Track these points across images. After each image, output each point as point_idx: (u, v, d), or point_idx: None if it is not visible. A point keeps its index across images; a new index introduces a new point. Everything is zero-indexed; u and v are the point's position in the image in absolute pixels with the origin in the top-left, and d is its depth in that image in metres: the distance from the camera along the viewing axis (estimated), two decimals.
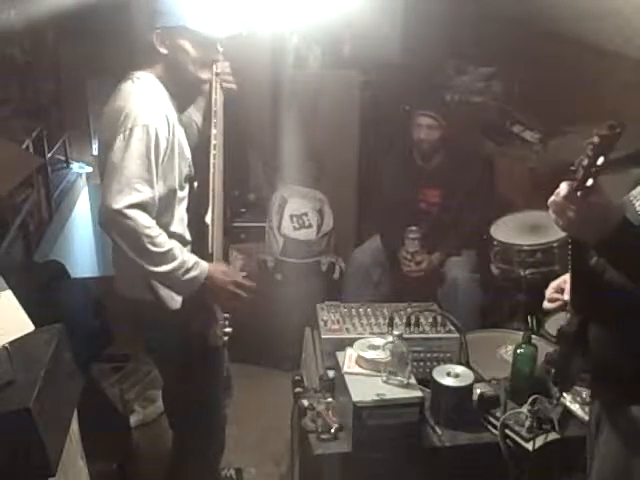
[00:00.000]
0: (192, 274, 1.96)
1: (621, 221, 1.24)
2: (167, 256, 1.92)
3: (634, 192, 1.43)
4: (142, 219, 1.88)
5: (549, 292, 1.59)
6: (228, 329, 2.13)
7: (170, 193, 2.04)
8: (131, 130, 1.89)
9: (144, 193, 1.89)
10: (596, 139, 1.16)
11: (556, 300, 1.56)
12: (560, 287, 1.58)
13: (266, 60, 3.90)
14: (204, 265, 2.00)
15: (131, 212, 1.86)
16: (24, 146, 3.72)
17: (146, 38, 2.02)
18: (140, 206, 1.88)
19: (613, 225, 1.23)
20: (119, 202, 1.85)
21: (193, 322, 2.05)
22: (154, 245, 1.89)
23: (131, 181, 1.88)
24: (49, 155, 4.28)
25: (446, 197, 3.42)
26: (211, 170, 2.11)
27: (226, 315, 2.16)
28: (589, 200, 1.20)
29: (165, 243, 1.93)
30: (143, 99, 1.97)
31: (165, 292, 2.04)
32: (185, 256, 1.97)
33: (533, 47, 3.89)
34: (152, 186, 1.92)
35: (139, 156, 1.89)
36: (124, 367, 3.22)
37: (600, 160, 1.16)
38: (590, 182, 1.18)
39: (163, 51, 2.01)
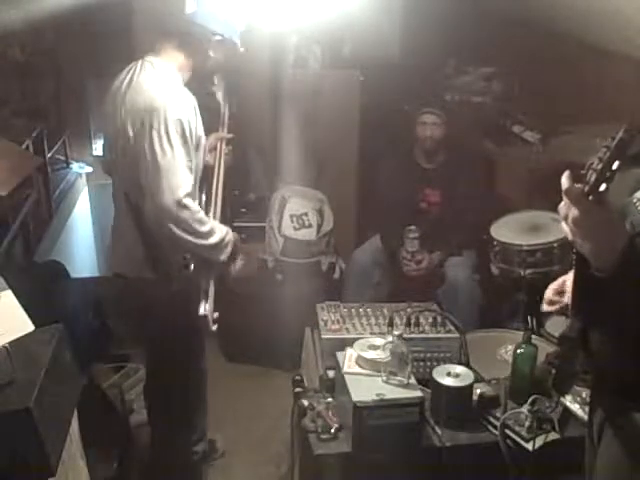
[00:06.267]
0: (227, 241, 2.18)
1: (627, 249, 1.17)
2: (212, 231, 2.12)
3: (638, 194, 1.42)
4: (193, 205, 2.06)
5: (548, 294, 1.58)
6: (216, 314, 2.21)
7: (197, 175, 2.19)
8: (166, 125, 1.98)
9: (190, 181, 2.06)
10: (612, 142, 1.12)
11: (555, 303, 1.55)
12: (559, 289, 1.57)
13: (266, 60, 3.90)
14: (231, 234, 2.23)
15: (187, 201, 2.02)
16: (24, 146, 3.72)
17: (188, 35, 2.13)
18: (190, 194, 2.05)
19: (617, 249, 1.16)
20: (176, 194, 1.99)
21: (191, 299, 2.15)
22: (203, 224, 2.08)
23: (180, 172, 2.01)
24: (49, 155, 4.28)
25: (446, 197, 3.42)
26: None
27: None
28: (599, 208, 1.15)
29: (208, 220, 2.13)
30: (172, 90, 2.07)
31: (165, 270, 2.16)
32: (221, 227, 2.19)
33: (533, 47, 3.89)
34: (192, 172, 2.09)
35: (180, 147, 2.01)
36: (124, 367, 3.22)
37: (615, 164, 1.12)
38: (603, 187, 1.13)
39: (208, 57, 2.16)
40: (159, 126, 1.98)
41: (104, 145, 2.33)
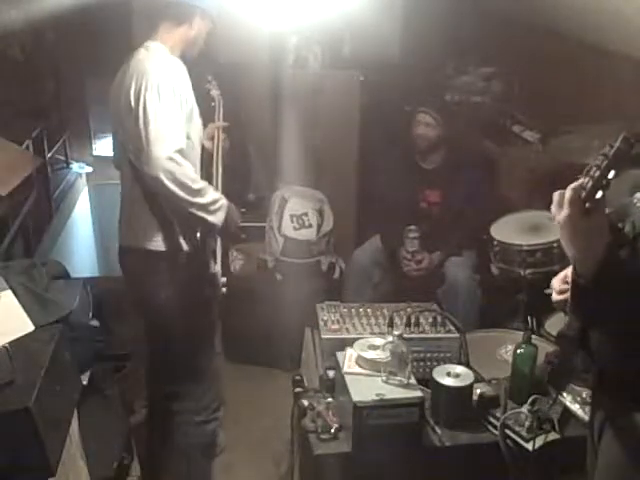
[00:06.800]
0: (220, 204, 2.30)
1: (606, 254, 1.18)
2: (204, 190, 2.25)
3: (638, 195, 1.42)
4: (185, 162, 2.18)
5: (556, 284, 1.58)
6: (224, 278, 2.41)
7: (190, 143, 2.30)
8: (158, 86, 2.15)
9: (182, 139, 2.20)
10: (609, 151, 1.13)
11: (565, 291, 1.54)
12: (565, 280, 1.57)
13: (266, 60, 3.90)
14: (226, 200, 2.35)
15: (177, 157, 2.15)
16: (24, 146, 3.72)
17: (175, 14, 2.31)
18: (181, 151, 2.18)
19: (596, 261, 1.18)
20: (168, 149, 2.13)
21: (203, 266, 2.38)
22: (194, 182, 2.21)
23: (170, 129, 2.16)
24: (49, 155, 4.28)
25: (446, 197, 3.42)
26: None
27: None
28: (586, 218, 1.16)
29: (200, 180, 2.27)
30: (163, 61, 2.25)
31: (175, 240, 2.33)
32: (215, 192, 2.32)
33: (533, 47, 3.89)
34: (184, 131, 2.24)
35: (170, 106, 2.17)
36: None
37: (612, 174, 1.13)
38: (600, 194, 1.14)
39: (192, 28, 2.32)
40: (151, 88, 2.14)
41: (113, 137, 2.45)
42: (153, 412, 2.65)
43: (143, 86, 2.16)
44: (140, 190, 2.32)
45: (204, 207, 2.25)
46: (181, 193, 2.17)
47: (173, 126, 2.18)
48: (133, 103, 2.17)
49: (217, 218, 2.30)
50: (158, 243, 2.33)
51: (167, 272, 2.36)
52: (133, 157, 2.25)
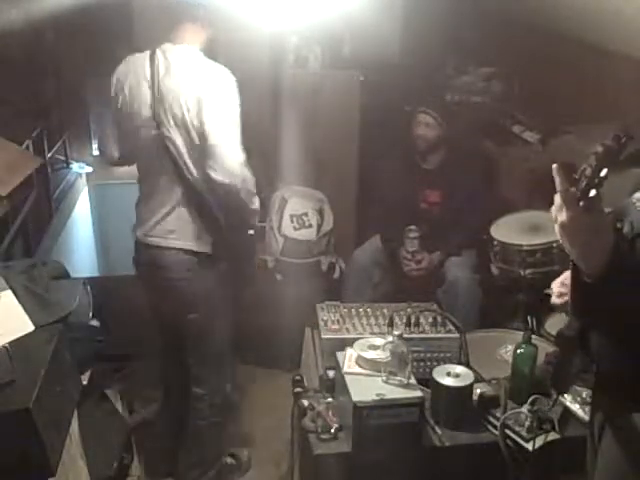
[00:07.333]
0: (258, 204, 2.40)
1: (611, 256, 1.18)
2: (257, 197, 2.37)
3: (637, 195, 1.42)
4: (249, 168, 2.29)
5: (556, 288, 1.58)
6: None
7: None
8: (225, 100, 2.23)
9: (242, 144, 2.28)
10: (600, 149, 1.13)
11: (564, 295, 1.54)
12: (564, 283, 1.57)
13: (266, 60, 3.90)
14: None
15: (245, 162, 2.27)
16: (24, 146, 3.71)
17: (197, 14, 2.30)
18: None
19: (603, 258, 1.18)
20: (241, 156, 2.25)
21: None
22: (254, 186, 2.32)
23: (238, 139, 2.26)
24: (49, 155, 4.28)
25: (446, 197, 3.42)
26: None
27: None
28: (586, 216, 1.16)
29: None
30: (216, 68, 2.28)
31: (223, 241, 2.39)
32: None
33: (533, 47, 3.89)
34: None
35: (237, 117, 2.27)
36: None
37: (604, 172, 1.13)
38: (593, 193, 1.14)
39: (209, 27, 2.35)
40: (218, 98, 2.21)
41: (123, 136, 2.45)
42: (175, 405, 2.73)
43: (209, 96, 2.19)
44: (187, 193, 2.33)
45: (255, 211, 2.39)
46: (245, 198, 2.29)
47: (239, 136, 2.26)
48: (195, 112, 2.19)
49: (256, 218, 2.45)
50: (209, 246, 2.38)
51: (218, 272, 2.44)
52: (192, 165, 2.28)
